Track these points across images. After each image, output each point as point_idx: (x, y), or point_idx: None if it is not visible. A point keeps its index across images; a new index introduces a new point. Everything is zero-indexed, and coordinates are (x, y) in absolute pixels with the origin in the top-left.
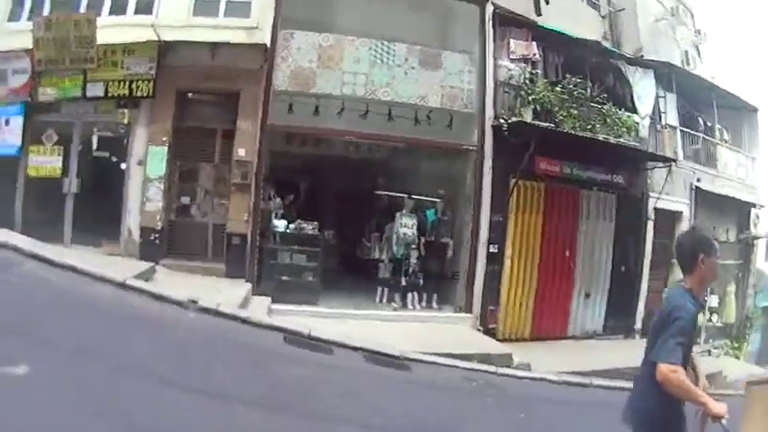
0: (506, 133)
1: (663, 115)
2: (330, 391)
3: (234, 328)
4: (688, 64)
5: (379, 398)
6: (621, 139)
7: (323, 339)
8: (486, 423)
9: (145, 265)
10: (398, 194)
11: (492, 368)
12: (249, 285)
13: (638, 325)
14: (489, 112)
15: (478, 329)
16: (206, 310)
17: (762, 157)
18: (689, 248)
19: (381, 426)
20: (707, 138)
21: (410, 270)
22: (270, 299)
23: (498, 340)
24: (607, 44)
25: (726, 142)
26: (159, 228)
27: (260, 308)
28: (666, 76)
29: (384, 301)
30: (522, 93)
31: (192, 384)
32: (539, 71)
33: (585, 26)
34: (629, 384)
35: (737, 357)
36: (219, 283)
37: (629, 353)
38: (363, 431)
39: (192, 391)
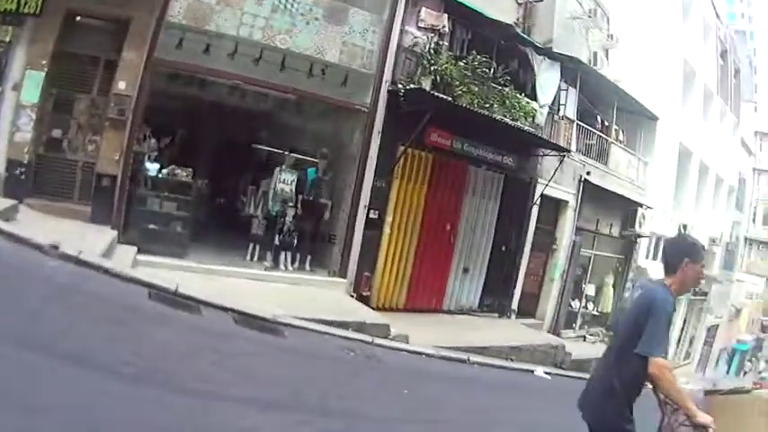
0: (402, 99)
1: (562, 107)
2: (200, 358)
3: (96, 278)
4: (595, 64)
5: (255, 367)
6: (518, 123)
7: (191, 297)
8: (370, 398)
9: (7, 203)
10: (281, 149)
11: (369, 338)
12: (115, 232)
13: (514, 305)
14: (387, 75)
15: (351, 295)
16: (67, 257)
17: (655, 162)
18: (676, 250)
19: (258, 400)
20: (602, 135)
21: (285, 228)
22: (136, 248)
23: (371, 308)
24: (518, 30)
25: (621, 143)
26: (26, 162)
27: (125, 258)
28: (572, 71)
29: (255, 258)
30: (425, 62)
31: (41, 342)
32: (445, 43)
33: (500, 9)
34: (504, 362)
35: None
36: (84, 228)
37: (504, 331)
38: (239, 407)
39: (41, 351)
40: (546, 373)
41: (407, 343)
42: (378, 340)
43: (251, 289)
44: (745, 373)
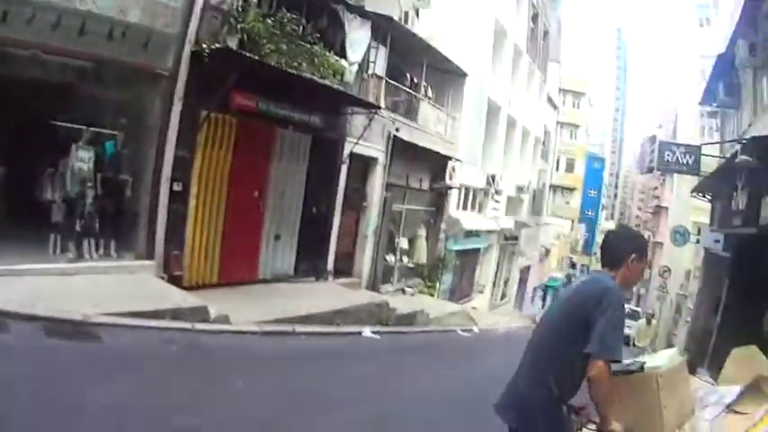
0: (206, 60)
1: (372, 65)
2: (12, 393)
3: None
4: (406, 22)
5: (65, 392)
6: (326, 81)
7: None
8: (201, 401)
9: None
10: (79, 124)
11: (189, 325)
12: None
13: (330, 266)
14: (191, 35)
15: (162, 277)
16: None
17: (464, 117)
18: (622, 245)
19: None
20: (411, 92)
21: (85, 212)
22: None
23: (184, 288)
24: None
25: (429, 99)
26: None
27: None
28: (383, 29)
29: (58, 251)
30: (231, 20)
31: None
32: (254, 0)
33: None
34: (331, 328)
35: (432, 295)
36: None
37: (325, 295)
38: None
39: None
40: (373, 332)
41: (229, 323)
42: (198, 325)
43: (59, 287)
44: None
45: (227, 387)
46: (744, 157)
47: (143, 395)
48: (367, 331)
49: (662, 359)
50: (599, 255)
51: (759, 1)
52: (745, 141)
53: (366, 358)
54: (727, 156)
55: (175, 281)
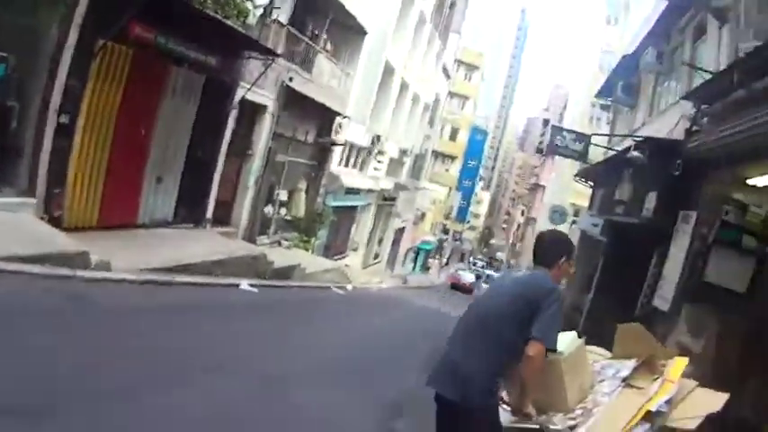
0: None
1: (276, 11)
2: None
3: None
4: None
5: None
6: (229, 21)
7: None
8: (92, 363)
9: None
10: None
11: (70, 272)
12: None
13: (209, 214)
14: None
15: (42, 217)
16: None
17: (358, 74)
18: (556, 248)
19: None
20: (310, 43)
21: None
22: None
23: (64, 230)
24: None
25: (327, 53)
26: None
27: None
28: None
29: None
30: None
31: None
32: None
33: None
34: (209, 279)
35: (307, 250)
36: None
37: (205, 244)
38: None
39: None
40: (251, 285)
41: (110, 270)
42: (79, 272)
43: None
44: (429, 268)
45: (116, 348)
46: (636, 153)
47: (10, 354)
48: (245, 284)
49: (563, 344)
50: (531, 254)
51: (677, 15)
52: (640, 139)
53: (245, 313)
54: (615, 148)
55: (55, 221)
